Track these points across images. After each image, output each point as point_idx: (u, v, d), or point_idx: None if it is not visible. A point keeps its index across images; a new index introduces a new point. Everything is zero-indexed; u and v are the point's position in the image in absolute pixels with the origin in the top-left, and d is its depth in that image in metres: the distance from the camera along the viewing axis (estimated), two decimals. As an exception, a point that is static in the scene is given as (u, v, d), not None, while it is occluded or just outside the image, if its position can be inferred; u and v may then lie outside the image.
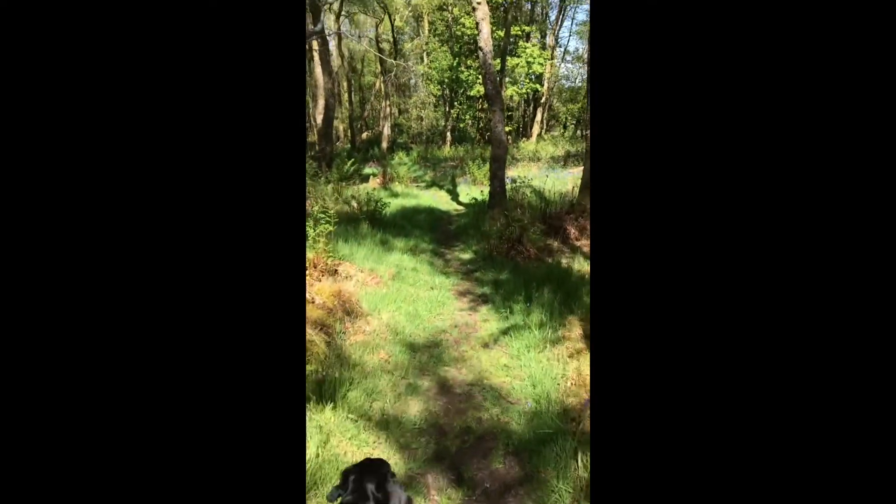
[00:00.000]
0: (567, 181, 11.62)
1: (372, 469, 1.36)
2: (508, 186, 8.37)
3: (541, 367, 3.19)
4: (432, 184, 13.89)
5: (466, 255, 6.33)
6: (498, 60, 17.75)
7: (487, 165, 12.14)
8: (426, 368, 3.32)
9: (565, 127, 29.30)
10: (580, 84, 27.86)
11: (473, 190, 11.55)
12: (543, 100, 23.80)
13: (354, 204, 7.31)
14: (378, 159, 19.32)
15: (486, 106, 22.99)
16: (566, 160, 15.97)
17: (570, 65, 29.70)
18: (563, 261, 5.92)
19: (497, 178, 8.00)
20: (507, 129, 24.79)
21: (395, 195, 10.81)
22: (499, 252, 5.99)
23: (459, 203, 10.78)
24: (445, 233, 7.91)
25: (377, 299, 4.24)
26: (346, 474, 1.35)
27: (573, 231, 7.02)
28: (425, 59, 20.71)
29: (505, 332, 3.86)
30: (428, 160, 19.55)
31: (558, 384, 2.96)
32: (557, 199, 8.74)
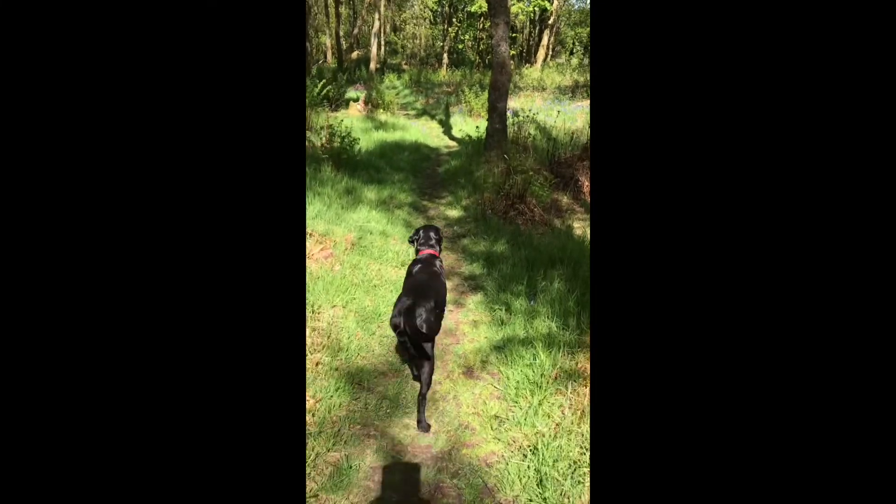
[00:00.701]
0: (576, 116, 10.05)
1: (431, 227, 2.70)
2: (510, 121, 6.87)
3: (549, 428, 2.01)
4: (423, 112, 12.21)
5: (454, 213, 4.99)
6: (504, -31, 15.42)
7: (486, 94, 10.48)
8: (372, 423, 2.12)
9: (572, 53, 26.83)
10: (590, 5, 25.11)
11: (469, 123, 9.97)
12: (551, 21, 21.28)
13: (316, 140, 5.81)
14: (365, 81, 17.28)
15: (487, 24, 20.58)
16: (574, 91, 14.15)
17: (582, -18, 26.76)
18: (576, 225, 4.62)
19: (496, 112, 6.47)
20: (511, 51, 22.48)
21: (379, 126, 9.23)
22: (495, 210, 4.67)
23: (452, 138, 9.26)
24: (431, 178, 6.51)
25: (320, 286, 2.97)
26: (417, 230, 2.70)
27: (586, 182, 5.66)
28: (421, -34, 18.05)
29: (499, 347, 2.64)
30: (421, 84, 17.48)
31: (577, 476, 1.78)
32: (567, 139, 7.27)
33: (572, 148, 6.75)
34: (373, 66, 17.42)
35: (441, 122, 10.73)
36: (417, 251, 2.62)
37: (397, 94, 14.59)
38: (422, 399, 2.08)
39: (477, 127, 7.45)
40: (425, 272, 2.37)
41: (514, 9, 18.09)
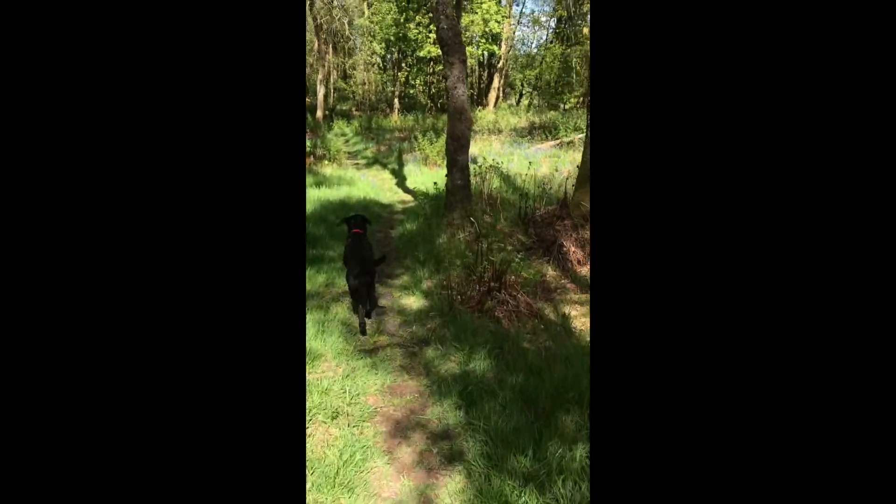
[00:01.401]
0: (539, 160, 9.21)
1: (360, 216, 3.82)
2: (472, 170, 5.83)
3: None
4: (374, 161, 11.12)
5: (413, 301, 3.77)
6: None
7: (441, 140, 9.53)
8: None
9: (521, 95, 26.84)
10: (536, 49, 25.31)
11: (425, 173, 8.92)
12: (500, 64, 21.06)
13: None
14: (312, 130, 16.16)
15: (438, 68, 20.12)
16: (531, 132, 13.47)
17: (525, 28, 27.04)
18: (573, 313, 3.49)
19: (457, 166, 5.39)
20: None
21: (321, 182, 8.03)
22: (466, 298, 3.48)
23: (407, 191, 8.15)
24: (383, 246, 5.30)
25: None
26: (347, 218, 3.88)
27: (572, 248, 4.59)
28: (367, 12, 17.41)
29: None
30: (372, 131, 16.52)
31: None
32: (537, 190, 6.29)
33: (546, 201, 5.75)
34: (319, 113, 16.36)
35: (394, 172, 9.64)
36: (350, 231, 3.77)
37: (346, 141, 13.51)
38: (366, 314, 3.27)
39: (435, 183, 6.37)
40: (358, 244, 3.52)
41: (463, 53, 17.68)
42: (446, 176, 5.51)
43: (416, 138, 11.62)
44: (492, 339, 3.01)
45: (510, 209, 5.51)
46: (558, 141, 11.50)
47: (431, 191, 6.50)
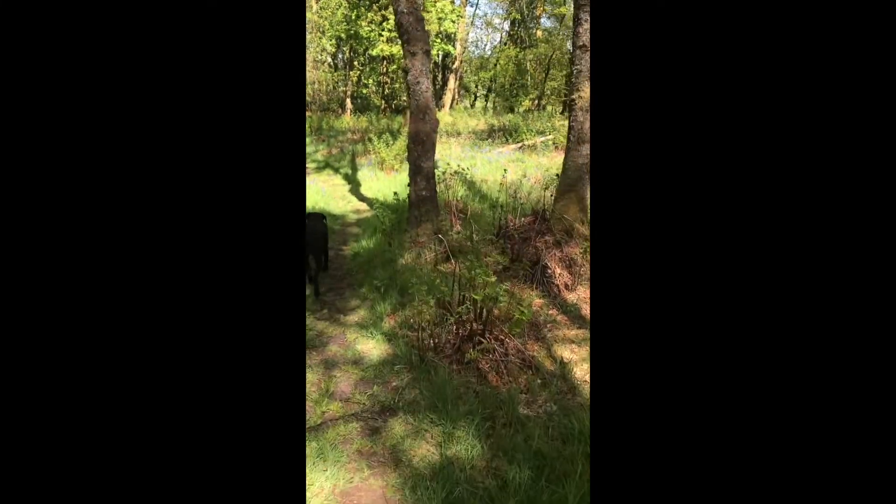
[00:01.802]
0: (504, 164, 8.61)
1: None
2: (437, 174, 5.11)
3: None
4: (325, 165, 10.17)
5: (373, 348, 2.98)
6: None
7: (400, 144, 8.76)
8: None
9: (476, 97, 26.38)
10: (490, 52, 24.92)
11: (381, 179, 8.11)
12: (456, 65, 20.47)
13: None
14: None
15: (392, 68, 19.29)
16: (491, 135, 12.90)
17: (479, 30, 26.63)
18: (572, 356, 2.81)
19: (421, 174, 4.64)
20: (416, 97, 21.25)
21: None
22: (440, 345, 2.75)
23: (362, 198, 7.31)
24: (335, 267, 4.48)
25: None
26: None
27: (557, 269, 3.94)
28: (315, 6, 16.33)
29: None
30: (322, 132, 15.47)
31: None
32: (508, 199, 5.64)
33: (519, 212, 5.10)
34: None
35: (347, 178, 8.77)
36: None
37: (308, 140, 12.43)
38: (317, 276, 3.81)
39: (395, 193, 5.58)
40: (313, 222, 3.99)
41: (418, 52, 16.92)
42: (408, 185, 4.74)
43: (370, 140, 10.77)
44: (479, 404, 2.29)
45: (480, 222, 4.82)
46: (520, 144, 10.96)
47: (390, 200, 5.71)
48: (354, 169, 9.19)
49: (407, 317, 3.13)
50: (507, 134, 12.54)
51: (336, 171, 9.50)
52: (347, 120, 17.36)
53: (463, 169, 6.62)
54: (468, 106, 24.09)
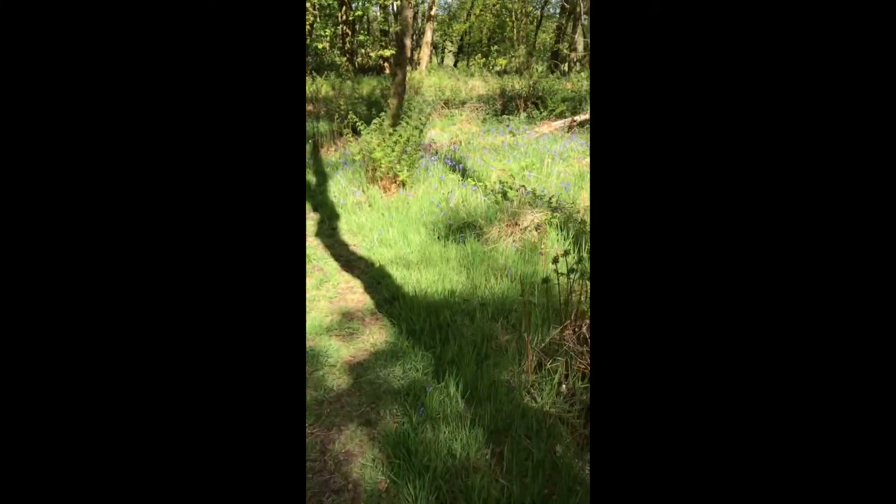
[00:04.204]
0: (579, 160, 4.84)
1: None
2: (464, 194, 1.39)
3: None
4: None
5: None
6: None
7: (405, 134, 4.72)
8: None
9: (443, 55, 21.87)
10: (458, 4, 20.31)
11: (376, 203, 4.09)
12: (433, 11, 15.94)
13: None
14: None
15: (347, 18, 14.76)
16: (508, 106, 8.88)
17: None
18: None
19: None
20: (386, 52, 16.54)
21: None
22: None
23: (350, 266, 3.37)
24: None
25: None
26: None
27: None
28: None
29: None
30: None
31: None
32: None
33: None
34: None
35: (312, 201, 4.70)
36: None
37: None
38: None
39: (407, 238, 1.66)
40: None
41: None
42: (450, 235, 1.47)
43: (343, 118, 6.65)
44: None
45: None
46: (568, 120, 7.09)
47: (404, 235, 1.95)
48: (321, 179, 5.08)
49: None
50: (527, 103, 8.62)
51: (288, 174, 5.40)
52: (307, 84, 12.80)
53: (525, 177, 2.87)
54: (438, 64, 19.54)
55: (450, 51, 21.77)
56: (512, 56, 16.07)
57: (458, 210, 3.71)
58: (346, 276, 3.06)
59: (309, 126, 7.41)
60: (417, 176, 4.56)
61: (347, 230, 3.76)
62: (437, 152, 5.48)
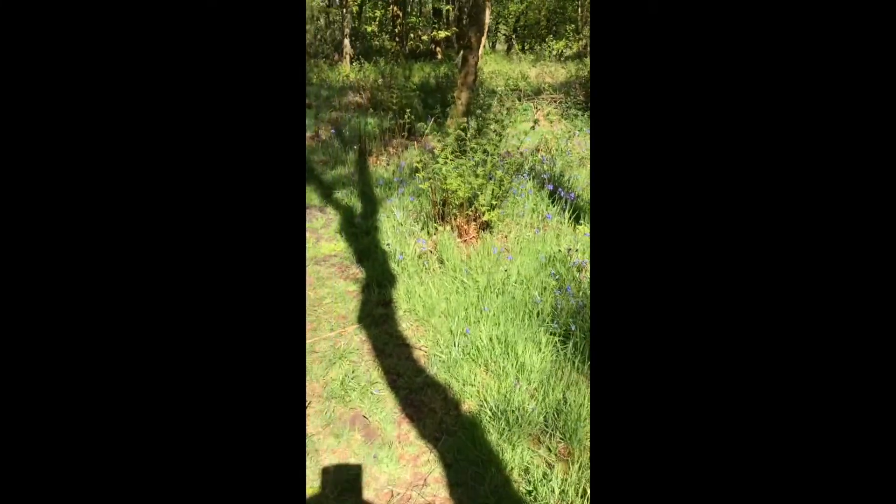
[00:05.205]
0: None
1: None
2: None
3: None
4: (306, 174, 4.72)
5: None
6: None
7: (451, 112, 3.22)
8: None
9: (495, 37, 19.92)
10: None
11: (451, 255, 2.64)
12: (492, -11, 14.14)
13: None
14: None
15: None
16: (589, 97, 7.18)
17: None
18: None
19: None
20: (440, 34, 14.83)
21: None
22: None
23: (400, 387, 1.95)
24: None
25: None
26: None
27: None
28: None
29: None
30: (311, 89, 9.73)
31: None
32: None
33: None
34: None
35: (346, 235, 3.33)
36: None
37: None
38: None
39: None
40: None
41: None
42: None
43: (396, 114, 5.17)
44: None
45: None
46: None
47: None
48: (369, 208, 3.66)
49: None
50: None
51: (325, 200, 3.99)
52: (346, 70, 11.39)
53: None
54: (489, 50, 17.61)
55: (503, 34, 19.82)
56: (576, 39, 14.05)
57: (582, 282, 2.21)
58: (414, 442, 1.63)
59: (355, 123, 6.03)
60: (506, 208, 3.07)
61: (408, 311, 2.33)
62: (521, 165, 3.93)
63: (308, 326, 2.25)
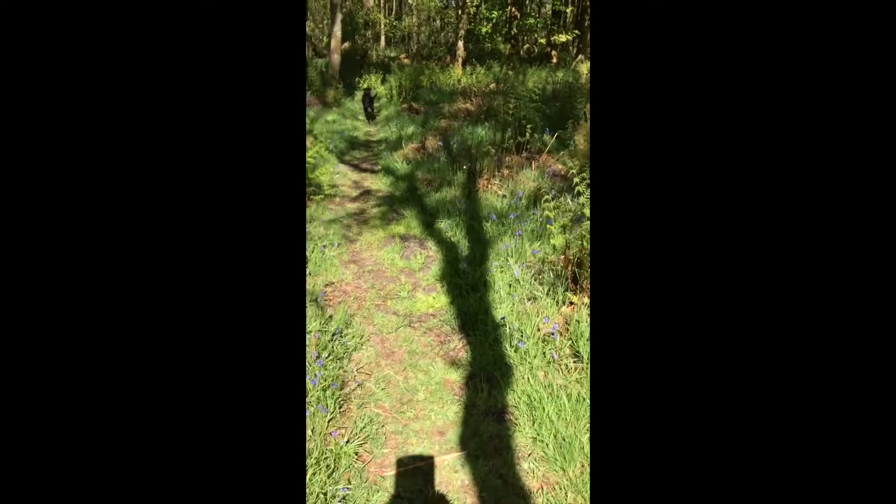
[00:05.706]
0: None
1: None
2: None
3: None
4: (407, 189, 4.19)
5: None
6: None
7: (579, 129, 2.43)
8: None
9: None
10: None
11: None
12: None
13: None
14: (317, 91, 9.11)
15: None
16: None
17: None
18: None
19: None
20: (559, 38, 13.82)
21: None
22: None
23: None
24: None
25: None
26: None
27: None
28: None
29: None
30: (420, 93, 9.39)
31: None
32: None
33: None
34: (335, 59, 9.22)
35: (452, 286, 2.70)
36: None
37: (388, 111, 6.68)
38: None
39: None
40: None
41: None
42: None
43: (515, 129, 4.43)
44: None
45: None
46: None
47: None
48: (478, 254, 3.00)
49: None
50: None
51: (427, 230, 3.41)
52: (458, 73, 10.91)
53: None
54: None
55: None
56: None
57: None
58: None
59: (466, 133, 5.42)
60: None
61: (533, 439, 1.61)
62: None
63: (391, 441, 1.61)
